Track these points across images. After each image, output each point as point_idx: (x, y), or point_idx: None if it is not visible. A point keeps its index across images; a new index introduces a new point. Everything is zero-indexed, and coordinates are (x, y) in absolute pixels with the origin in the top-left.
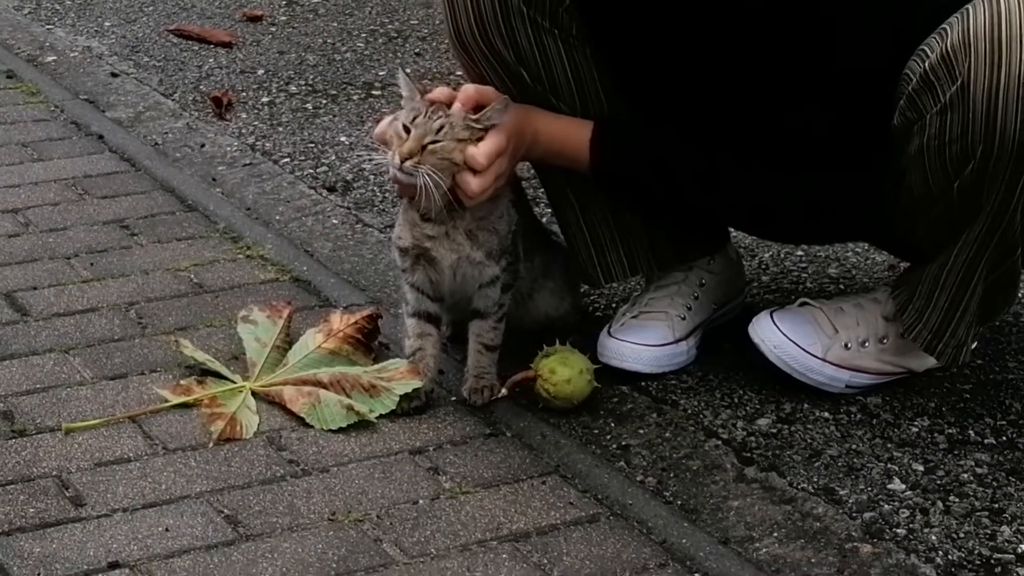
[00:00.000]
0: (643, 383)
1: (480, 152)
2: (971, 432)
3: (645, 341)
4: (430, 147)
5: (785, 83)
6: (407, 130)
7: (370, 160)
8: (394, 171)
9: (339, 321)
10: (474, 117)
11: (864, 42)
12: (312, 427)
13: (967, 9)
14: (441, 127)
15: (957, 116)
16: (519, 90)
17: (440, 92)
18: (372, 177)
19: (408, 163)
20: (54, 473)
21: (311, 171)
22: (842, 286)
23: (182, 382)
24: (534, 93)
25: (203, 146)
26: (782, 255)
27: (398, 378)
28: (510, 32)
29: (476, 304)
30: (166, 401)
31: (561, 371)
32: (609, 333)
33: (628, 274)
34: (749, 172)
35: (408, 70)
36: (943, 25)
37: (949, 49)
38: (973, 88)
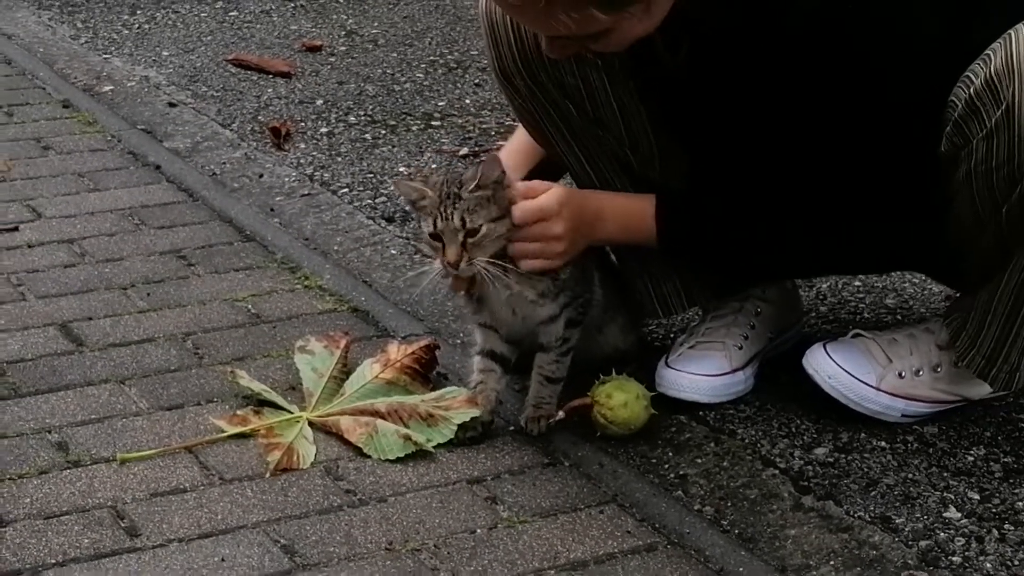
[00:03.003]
0: (701, 412)
1: (518, 210)
2: None
3: (703, 371)
4: (470, 243)
5: (832, 126)
6: (437, 238)
7: (424, 273)
8: (451, 273)
9: (396, 351)
10: (473, 186)
11: (909, 75)
12: (369, 457)
13: (1010, 34)
14: (463, 221)
15: (1003, 140)
16: (565, 123)
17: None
18: None
19: (462, 265)
20: (109, 503)
21: (370, 201)
22: (899, 316)
23: (238, 412)
24: (580, 126)
25: (261, 176)
26: (839, 285)
27: (456, 407)
28: (554, 65)
29: (540, 338)
30: (222, 431)
31: (618, 396)
32: (667, 363)
33: (686, 307)
34: (808, 229)
35: (404, 169)
36: (987, 51)
37: (993, 74)
38: (1019, 112)
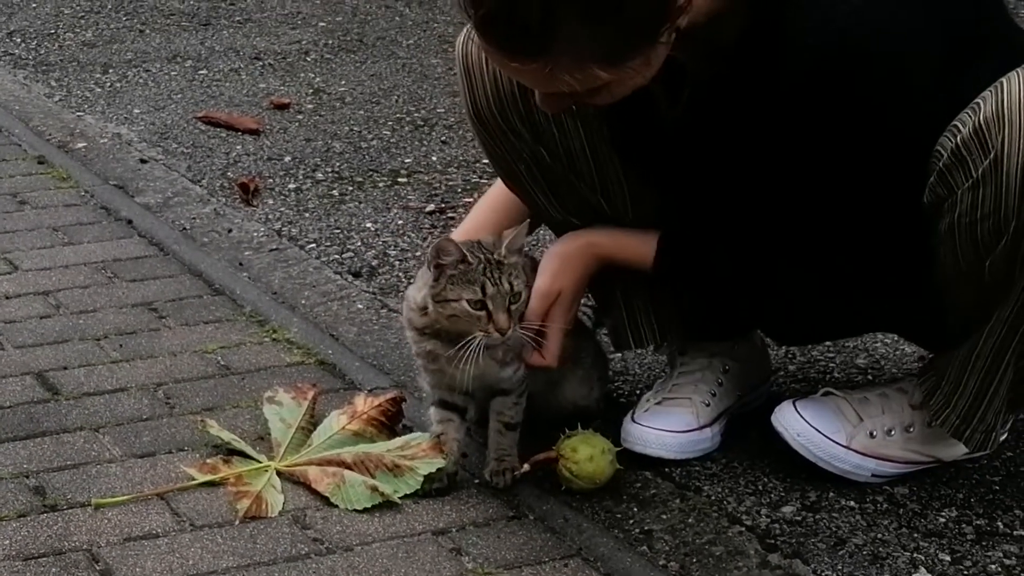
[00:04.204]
0: (667, 468)
1: (530, 312)
2: (1000, 523)
3: (669, 427)
4: (513, 309)
5: (823, 178)
6: (479, 305)
7: (470, 349)
8: (495, 343)
9: (363, 404)
10: (504, 251)
11: (903, 126)
12: (336, 506)
13: (1001, 83)
14: (511, 285)
15: (990, 191)
16: (539, 168)
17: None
18: (397, 263)
19: (511, 332)
20: (84, 547)
21: (337, 256)
22: (870, 376)
23: (208, 461)
24: (553, 171)
25: (230, 231)
26: (809, 346)
27: (421, 455)
28: (527, 108)
29: (500, 384)
30: (193, 479)
31: (583, 449)
32: (633, 419)
33: (658, 340)
34: (790, 280)
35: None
36: (976, 99)
37: (982, 122)
38: (1007, 162)
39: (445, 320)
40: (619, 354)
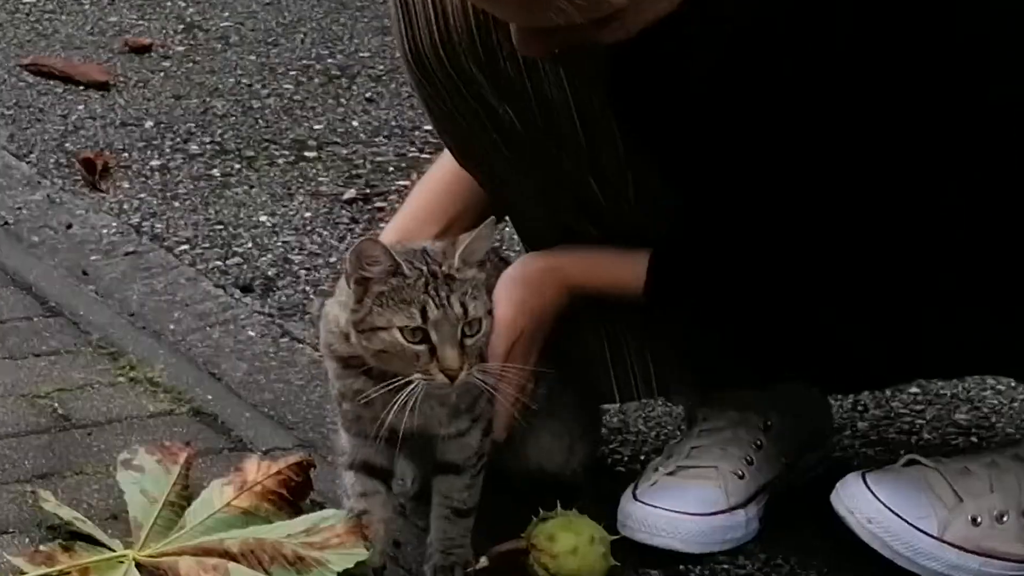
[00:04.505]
0: (682, 566)
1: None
2: None
3: (687, 508)
4: (467, 344)
5: (904, 146)
6: (421, 337)
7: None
8: (443, 390)
9: (256, 470)
10: (455, 264)
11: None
12: None
13: None
14: (464, 308)
15: None
16: (500, 132)
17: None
18: (303, 273)
19: (463, 375)
20: None
21: (219, 263)
22: (975, 438)
23: (42, 548)
24: (522, 139)
25: (70, 227)
26: (888, 392)
27: (335, 543)
28: (488, 49)
29: (445, 455)
30: (22, 573)
31: (564, 539)
32: (636, 496)
33: (655, 393)
34: (850, 295)
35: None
36: None
37: None
38: None
39: (371, 356)
40: (615, 406)
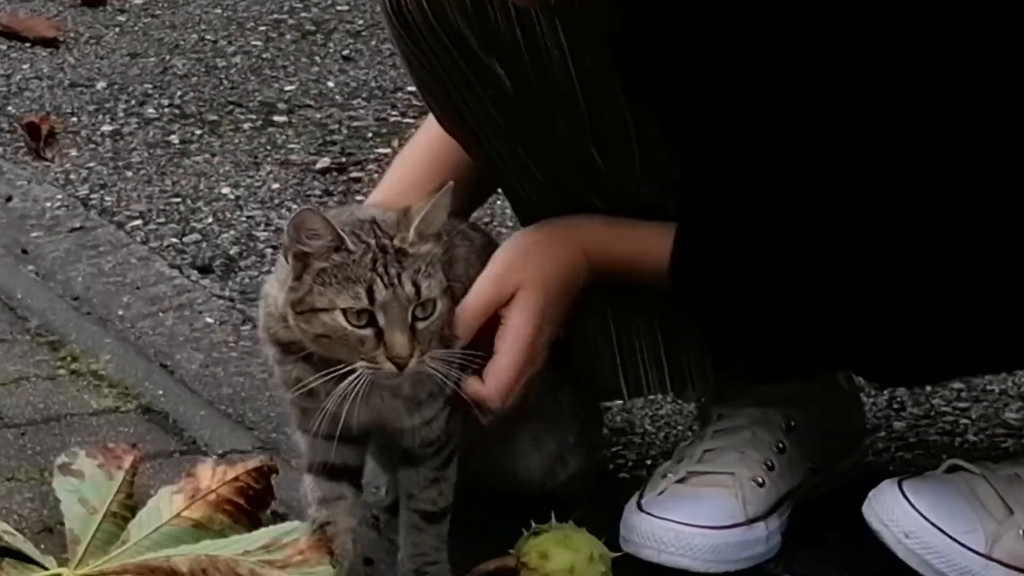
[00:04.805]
0: None
1: (491, 390)
2: None
3: (698, 521)
4: (420, 327)
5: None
6: (367, 320)
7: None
8: (392, 380)
9: (210, 477)
10: (413, 235)
11: None
12: None
13: None
14: (416, 288)
15: None
16: (492, 94)
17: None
18: (269, 252)
19: (412, 363)
20: None
21: (175, 241)
22: None
23: None
24: (514, 101)
25: (9, 199)
26: (927, 387)
27: (298, 560)
28: (477, 1)
29: (403, 442)
30: None
31: (559, 555)
32: (640, 507)
33: (669, 388)
34: (891, 273)
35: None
36: None
37: None
38: None
39: (311, 341)
40: (619, 402)
